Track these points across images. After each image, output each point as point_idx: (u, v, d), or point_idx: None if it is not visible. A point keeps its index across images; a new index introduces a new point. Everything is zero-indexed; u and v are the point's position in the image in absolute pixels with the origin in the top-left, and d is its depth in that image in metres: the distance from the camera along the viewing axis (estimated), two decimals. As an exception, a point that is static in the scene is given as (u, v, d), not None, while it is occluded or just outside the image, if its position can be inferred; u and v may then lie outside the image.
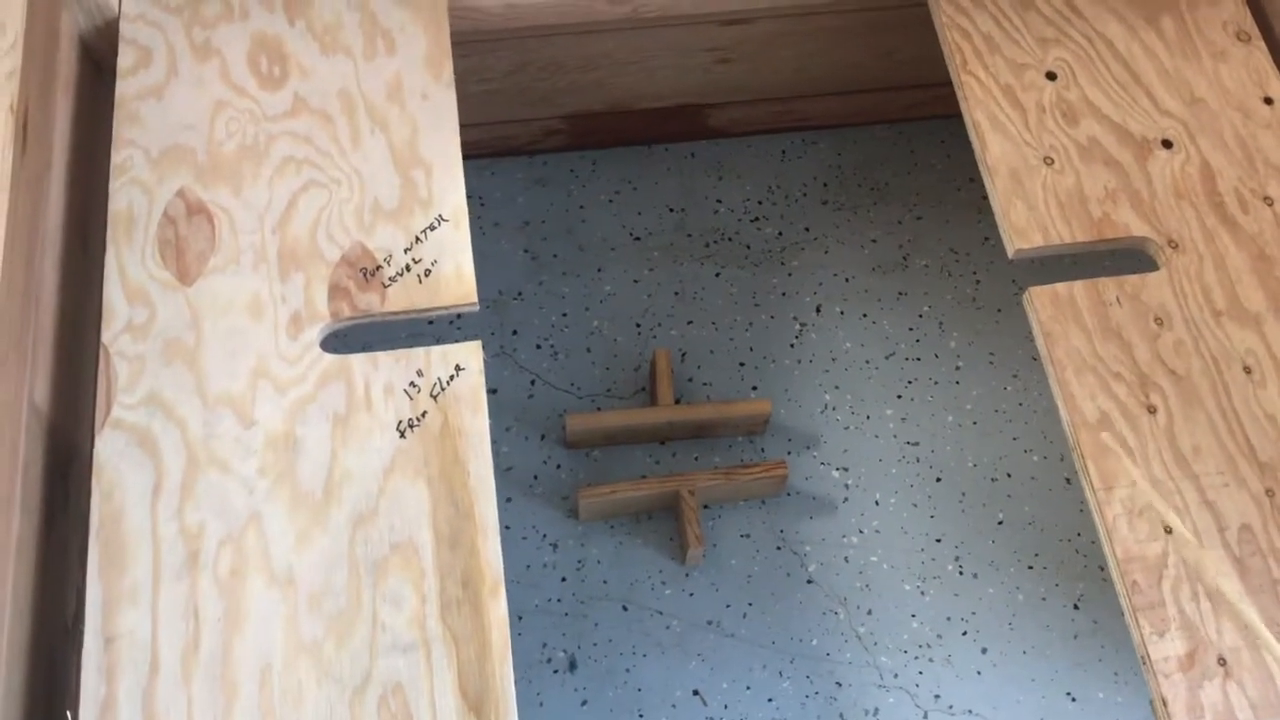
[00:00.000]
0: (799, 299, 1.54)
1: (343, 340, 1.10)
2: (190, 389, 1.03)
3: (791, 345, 1.51)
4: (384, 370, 1.05)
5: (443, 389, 1.04)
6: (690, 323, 1.52)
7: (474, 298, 1.09)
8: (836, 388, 1.48)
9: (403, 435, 1.02)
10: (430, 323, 1.46)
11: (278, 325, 1.07)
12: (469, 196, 1.59)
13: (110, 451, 1.00)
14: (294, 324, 1.07)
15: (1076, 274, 1.13)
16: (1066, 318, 1.10)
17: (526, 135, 1.59)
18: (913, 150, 1.64)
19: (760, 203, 1.60)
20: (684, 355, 1.49)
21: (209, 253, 1.10)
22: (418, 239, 1.11)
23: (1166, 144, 1.19)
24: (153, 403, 1.02)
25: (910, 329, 1.52)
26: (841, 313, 1.53)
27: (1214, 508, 1.02)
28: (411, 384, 1.05)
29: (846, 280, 1.55)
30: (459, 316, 1.47)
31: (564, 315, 1.51)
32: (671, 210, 1.59)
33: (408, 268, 1.10)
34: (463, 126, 1.54)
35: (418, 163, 1.16)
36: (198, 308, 1.07)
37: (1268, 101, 1.22)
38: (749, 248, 1.57)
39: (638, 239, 1.57)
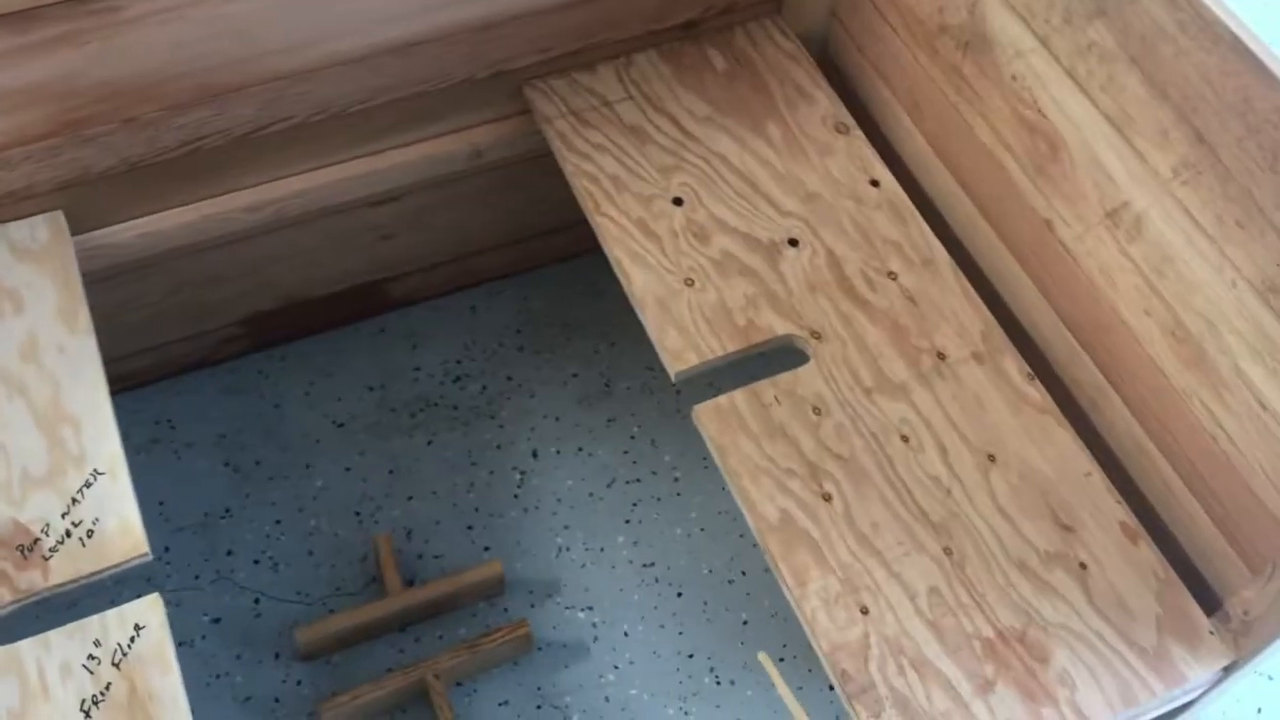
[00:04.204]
0: (515, 448, 1.55)
1: (28, 623, 1.03)
2: None
3: (515, 496, 1.51)
4: (57, 650, 0.99)
5: (124, 654, 0.99)
6: (410, 498, 1.50)
7: (145, 548, 1.05)
8: (566, 528, 1.49)
9: (88, 715, 0.96)
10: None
11: (-68, 630, 1.00)
12: (157, 422, 1.55)
13: None
14: (-50, 624, 1.00)
15: (761, 369, 1.19)
16: (733, 427, 1.14)
17: (206, 347, 1.55)
18: (594, 280, 1.69)
19: (459, 362, 1.62)
20: (410, 532, 1.47)
21: None
22: (74, 500, 1.07)
23: (793, 242, 1.27)
24: None
25: (625, 452, 1.55)
26: (558, 452, 1.55)
27: (901, 579, 1.07)
28: (90, 657, 0.99)
29: (556, 419, 1.57)
30: (162, 558, 1.42)
31: (278, 523, 1.47)
32: (371, 389, 1.59)
33: (68, 533, 1.05)
34: (135, 354, 1.50)
35: (64, 419, 1.11)
36: None
37: (874, 184, 1.32)
38: (456, 408, 1.58)
39: (341, 425, 1.55)
